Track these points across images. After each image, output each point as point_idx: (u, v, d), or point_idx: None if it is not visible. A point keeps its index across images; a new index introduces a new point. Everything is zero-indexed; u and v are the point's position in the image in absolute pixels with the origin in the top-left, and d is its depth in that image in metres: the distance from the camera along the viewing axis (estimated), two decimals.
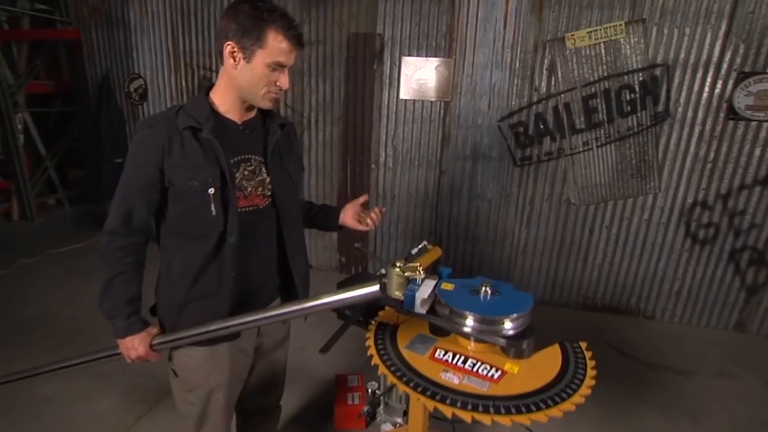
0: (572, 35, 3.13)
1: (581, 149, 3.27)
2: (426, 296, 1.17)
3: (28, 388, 2.27)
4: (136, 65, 4.02)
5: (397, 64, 3.47)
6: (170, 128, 1.14)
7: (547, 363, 1.13)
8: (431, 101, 3.47)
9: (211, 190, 1.15)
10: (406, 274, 1.21)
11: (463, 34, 3.31)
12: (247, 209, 1.23)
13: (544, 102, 3.27)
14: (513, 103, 3.33)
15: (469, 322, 1.09)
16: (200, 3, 3.74)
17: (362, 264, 3.88)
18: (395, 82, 3.50)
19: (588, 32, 3.11)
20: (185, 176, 1.14)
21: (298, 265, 1.40)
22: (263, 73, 1.13)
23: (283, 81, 1.17)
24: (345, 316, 1.50)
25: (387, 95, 3.55)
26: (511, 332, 1.09)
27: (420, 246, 1.76)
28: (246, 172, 1.22)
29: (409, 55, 3.43)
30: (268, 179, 1.26)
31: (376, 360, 1.17)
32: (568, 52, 3.15)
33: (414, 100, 3.50)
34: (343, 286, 1.42)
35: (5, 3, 5.01)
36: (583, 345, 1.22)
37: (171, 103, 4.01)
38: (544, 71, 3.22)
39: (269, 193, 1.27)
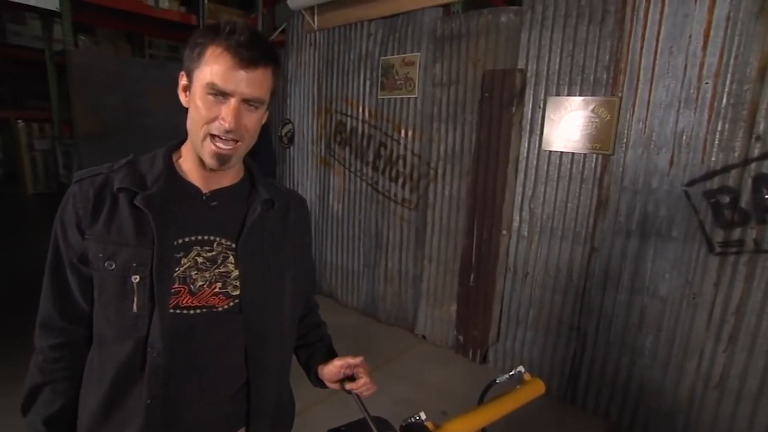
0: None
1: None
2: None
3: None
4: (288, 111, 4.25)
5: (542, 105, 2.72)
6: (103, 186, 0.87)
7: None
8: (584, 154, 2.59)
9: (135, 279, 0.84)
10: None
11: (635, 63, 2.37)
12: (192, 311, 0.87)
13: None
14: (713, 158, 2.20)
15: None
16: (341, 49, 3.72)
17: (482, 350, 3.14)
18: (537, 129, 2.75)
19: None
20: (102, 254, 0.85)
21: (265, 399, 0.99)
22: (202, 104, 0.82)
23: (224, 113, 0.81)
24: None
25: (527, 145, 2.81)
26: None
27: (513, 372, 1.17)
28: (200, 260, 0.88)
29: (558, 94, 2.65)
30: (234, 273, 0.91)
31: None
32: None
33: (561, 152, 2.67)
34: None
35: None
36: None
37: (311, 147, 4.09)
38: None
39: (235, 293, 0.91)
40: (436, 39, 3.14)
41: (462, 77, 3.04)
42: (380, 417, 0.99)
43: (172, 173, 0.90)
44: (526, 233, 2.87)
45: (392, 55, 3.37)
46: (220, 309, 0.90)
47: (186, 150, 0.92)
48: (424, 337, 3.48)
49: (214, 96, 0.81)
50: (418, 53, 3.23)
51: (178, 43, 5.90)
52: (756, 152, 2.11)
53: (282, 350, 1.04)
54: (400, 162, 3.47)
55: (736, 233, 2.18)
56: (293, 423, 1.13)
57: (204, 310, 0.88)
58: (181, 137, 0.94)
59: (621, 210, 2.48)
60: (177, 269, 0.86)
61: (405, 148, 3.43)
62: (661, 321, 2.40)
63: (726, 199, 2.20)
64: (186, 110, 0.87)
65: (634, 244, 2.45)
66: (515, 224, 2.91)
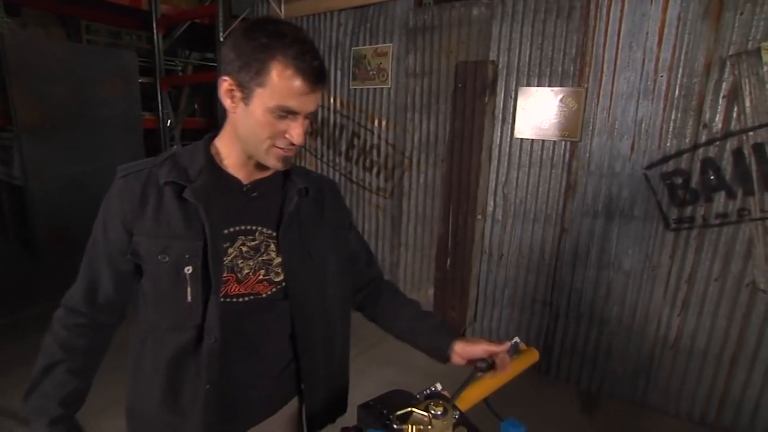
0: None
1: None
2: None
3: None
4: None
5: (513, 96, 2.87)
6: (148, 181, 0.89)
7: None
8: (554, 141, 2.78)
9: (188, 269, 0.87)
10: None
11: (599, 57, 2.57)
12: (240, 299, 0.92)
13: (717, 143, 2.33)
14: (668, 144, 2.45)
15: None
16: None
17: (460, 330, 3.29)
18: (509, 118, 2.91)
19: None
20: (155, 248, 0.87)
21: (314, 374, 1.04)
22: (266, 121, 0.83)
23: (295, 132, 0.85)
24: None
25: (499, 133, 2.97)
26: None
27: (511, 343, 1.25)
28: (244, 249, 0.92)
29: (528, 85, 2.82)
30: (277, 260, 0.94)
31: None
32: (765, 69, 2.19)
33: (532, 140, 2.85)
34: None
35: (182, 55, 5.88)
36: None
37: None
38: (721, 100, 2.30)
39: (278, 279, 0.95)
40: (408, 30, 3.22)
41: (435, 68, 3.14)
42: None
43: (214, 166, 0.92)
44: (500, 217, 3.04)
45: (363, 45, 3.41)
46: (264, 295, 0.94)
47: (227, 147, 0.92)
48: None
49: (282, 114, 0.83)
50: (391, 44, 3.29)
51: (122, 29, 5.57)
52: (703, 138, 2.37)
53: (329, 329, 1.07)
54: (374, 151, 3.53)
55: (688, 211, 2.45)
56: (347, 405, 1.15)
57: (251, 297, 0.93)
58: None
59: (588, 193, 2.69)
60: (225, 259, 0.89)
61: (379, 137, 3.49)
62: (625, 293, 2.65)
63: (679, 181, 2.46)
64: (224, 109, 0.89)
65: (600, 223, 2.67)
66: (489, 209, 3.07)
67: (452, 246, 3.22)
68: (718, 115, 2.32)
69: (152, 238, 0.87)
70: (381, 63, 3.35)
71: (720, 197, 2.36)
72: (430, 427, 0.81)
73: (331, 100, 3.67)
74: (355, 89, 3.53)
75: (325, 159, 3.81)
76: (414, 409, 0.84)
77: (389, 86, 3.35)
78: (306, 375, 1.03)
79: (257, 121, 0.83)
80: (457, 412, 0.92)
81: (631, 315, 2.65)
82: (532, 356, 1.26)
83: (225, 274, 0.89)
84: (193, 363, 0.90)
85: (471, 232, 3.13)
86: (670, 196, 2.48)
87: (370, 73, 3.40)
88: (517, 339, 1.26)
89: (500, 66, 2.89)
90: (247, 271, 0.91)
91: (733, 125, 2.28)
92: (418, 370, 2.97)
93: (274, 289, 0.95)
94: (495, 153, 3.00)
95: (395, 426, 0.84)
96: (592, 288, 2.74)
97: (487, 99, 2.94)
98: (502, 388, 1.17)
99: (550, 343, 2.94)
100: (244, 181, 0.93)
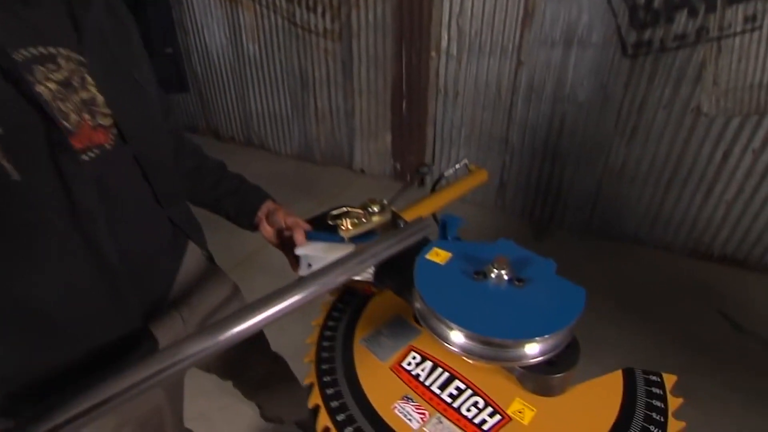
0: None
1: (739, 29, 2.14)
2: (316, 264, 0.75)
3: None
4: None
5: None
6: None
7: (592, 405, 0.61)
8: None
9: None
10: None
11: None
12: (86, 155, 0.64)
13: None
14: None
15: (457, 338, 0.58)
16: None
17: (419, 173, 3.35)
18: None
19: None
20: None
21: (186, 220, 0.93)
22: None
23: None
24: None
25: None
26: (531, 360, 0.57)
27: (458, 166, 1.29)
28: (52, 86, 0.59)
29: None
30: (100, 98, 0.65)
31: (309, 358, 0.74)
32: None
33: None
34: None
35: None
36: (668, 381, 0.64)
37: None
38: None
39: (108, 123, 0.67)
40: None
41: None
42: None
43: None
44: (455, 52, 2.85)
45: None
46: (108, 146, 0.67)
47: None
48: (362, 171, 3.62)
49: None
50: None
51: None
52: None
53: (175, 176, 0.90)
54: None
55: (647, 34, 2.33)
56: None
57: (96, 151, 0.65)
58: None
59: (546, 19, 2.50)
60: (42, 97, 0.58)
61: None
62: (578, 125, 2.66)
63: (642, 1, 2.28)
64: None
65: (558, 53, 2.55)
66: (444, 44, 2.86)
67: (407, 88, 3.09)
68: None
69: None
70: None
71: (680, 18, 2.23)
72: (365, 221, 0.82)
73: None
74: None
75: (264, 2, 3.36)
76: (349, 208, 0.82)
77: None
78: (181, 223, 0.89)
79: None
80: (401, 221, 0.89)
81: (581, 146, 2.70)
82: (481, 175, 1.28)
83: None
84: (73, 253, 0.64)
85: (425, 71, 2.97)
86: (631, 19, 2.33)
87: None
88: (465, 160, 1.27)
89: None
90: (74, 116, 0.61)
91: None
92: None
93: (112, 135, 0.68)
94: None
95: (330, 222, 0.82)
96: (547, 123, 2.74)
97: None
98: (456, 220, 1.21)
99: (506, 179, 3.04)
100: None
